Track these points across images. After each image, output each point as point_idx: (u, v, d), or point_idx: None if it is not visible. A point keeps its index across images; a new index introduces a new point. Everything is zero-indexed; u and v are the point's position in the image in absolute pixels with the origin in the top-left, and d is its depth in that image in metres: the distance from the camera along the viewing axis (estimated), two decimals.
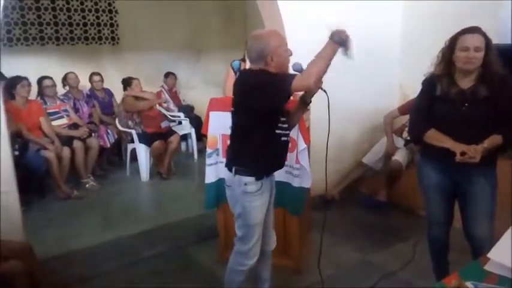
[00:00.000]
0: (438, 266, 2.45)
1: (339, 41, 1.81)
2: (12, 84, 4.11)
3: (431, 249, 2.44)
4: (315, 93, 2.00)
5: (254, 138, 1.99)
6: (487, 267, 1.43)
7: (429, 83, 2.20)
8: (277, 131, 2.00)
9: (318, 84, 1.85)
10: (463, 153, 1.97)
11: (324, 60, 1.80)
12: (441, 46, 2.19)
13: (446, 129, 2.10)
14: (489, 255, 1.45)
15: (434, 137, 2.12)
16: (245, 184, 2.01)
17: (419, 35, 4.14)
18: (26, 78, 4.24)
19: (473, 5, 3.53)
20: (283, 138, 2.04)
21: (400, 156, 3.75)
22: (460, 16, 3.51)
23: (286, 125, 2.04)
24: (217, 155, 2.75)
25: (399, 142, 3.88)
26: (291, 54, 2.00)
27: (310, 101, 2.07)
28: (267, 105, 1.90)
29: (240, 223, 2.09)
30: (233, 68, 3.03)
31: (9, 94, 4.10)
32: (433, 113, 2.16)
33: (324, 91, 1.94)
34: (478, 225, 2.11)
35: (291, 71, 1.99)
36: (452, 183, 2.19)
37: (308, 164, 2.66)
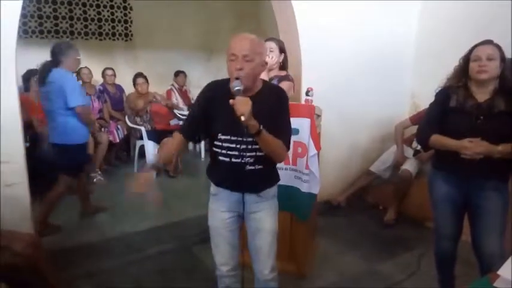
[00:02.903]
0: (444, 279, 2.44)
1: None
2: (29, 77, 4.14)
3: (438, 261, 2.42)
4: (246, 123, 1.64)
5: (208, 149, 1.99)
6: (496, 284, 1.41)
7: (443, 94, 2.19)
8: (214, 149, 1.86)
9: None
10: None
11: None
12: (455, 57, 2.19)
13: None
14: (499, 272, 1.43)
15: (438, 141, 2.13)
16: (211, 183, 2.00)
17: (434, 45, 4.13)
18: None
19: (489, 17, 3.51)
20: (220, 158, 1.84)
21: (410, 166, 3.73)
22: (476, 27, 3.51)
23: (227, 144, 1.81)
24: None
25: (408, 152, 3.86)
26: (236, 71, 1.70)
27: (259, 131, 1.70)
28: None
29: None
30: None
31: (26, 86, 4.13)
32: (447, 125, 2.14)
33: (246, 125, 1.64)
34: (488, 240, 2.08)
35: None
36: (463, 196, 2.17)
37: (318, 170, 2.67)
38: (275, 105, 1.83)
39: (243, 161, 1.81)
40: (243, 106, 1.62)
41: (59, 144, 3.25)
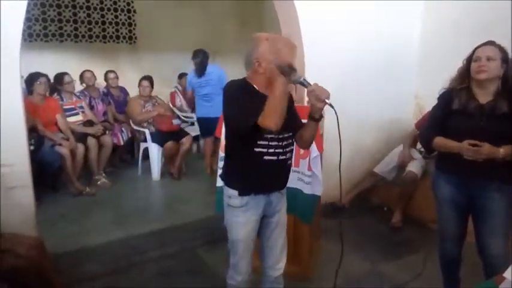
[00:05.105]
0: (448, 281, 2.41)
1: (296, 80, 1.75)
2: (31, 81, 4.16)
3: (442, 264, 2.40)
4: (321, 109, 1.74)
5: (234, 153, 1.90)
6: (502, 286, 1.40)
7: (446, 97, 2.19)
8: (258, 149, 1.80)
9: (279, 126, 1.67)
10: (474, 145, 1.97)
11: (278, 100, 1.67)
12: (459, 57, 2.18)
13: None
14: (505, 274, 1.42)
15: (441, 143, 2.13)
16: (229, 197, 1.90)
17: (437, 45, 4.11)
18: (44, 75, 4.26)
19: (493, 18, 3.49)
20: (266, 157, 1.81)
21: (415, 168, 3.71)
22: (479, 28, 3.48)
23: (275, 143, 1.81)
24: None
25: (413, 153, 3.83)
26: (292, 66, 1.79)
27: (321, 117, 1.81)
28: (231, 127, 1.82)
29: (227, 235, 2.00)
30: None
31: (28, 89, 4.15)
32: (449, 126, 2.13)
33: (331, 106, 1.71)
34: (492, 242, 2.06)
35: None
36: (466, 197, 2.15)
37: (320, 171, 2.65)
38: (289, 98, 1.89)
39: (286, 157, 1.88)
40: (325, 90, 1.68)
41: (216, 118, 4.17)
